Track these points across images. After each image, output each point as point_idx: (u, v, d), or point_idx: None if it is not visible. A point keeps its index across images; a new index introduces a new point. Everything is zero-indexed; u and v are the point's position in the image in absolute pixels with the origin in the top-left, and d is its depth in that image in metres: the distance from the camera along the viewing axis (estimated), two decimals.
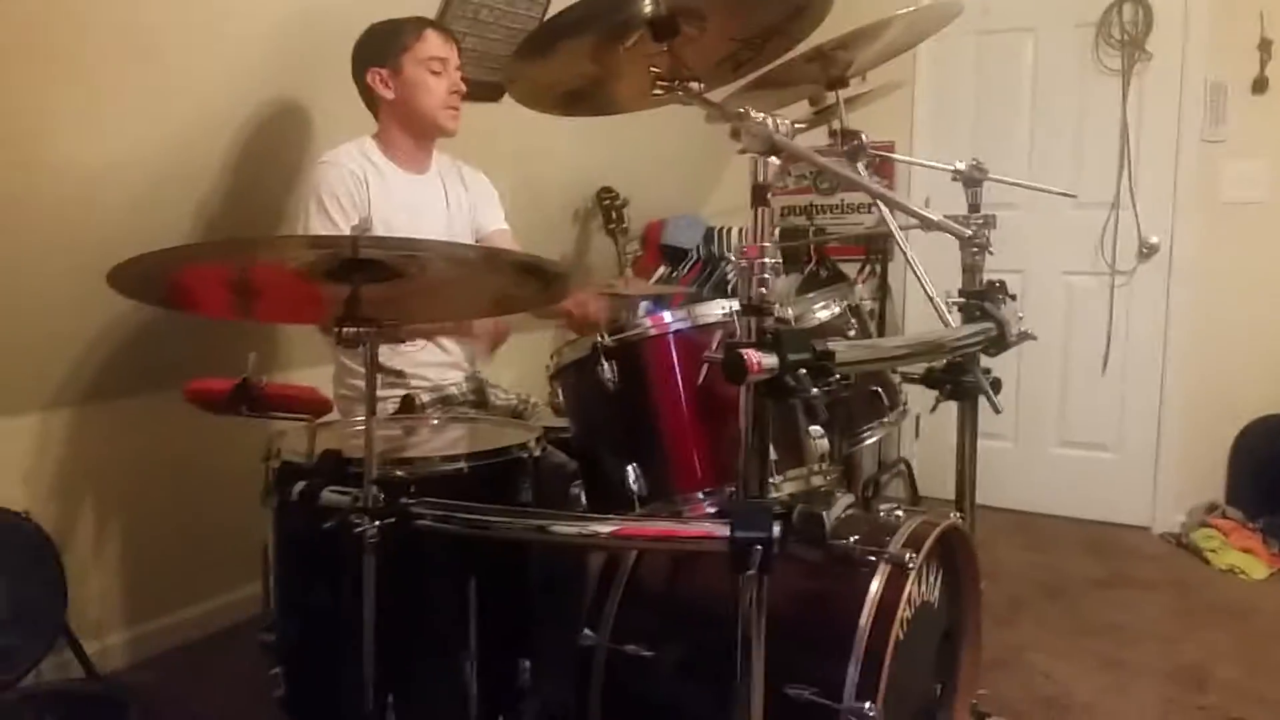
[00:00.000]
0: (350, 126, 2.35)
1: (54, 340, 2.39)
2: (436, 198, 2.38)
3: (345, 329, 1.35)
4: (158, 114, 2.23)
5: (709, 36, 1.46)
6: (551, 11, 2.90)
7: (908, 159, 3.21)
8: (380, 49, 2.27)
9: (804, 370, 1.14)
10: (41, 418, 2.50)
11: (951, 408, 1.99)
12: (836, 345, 1.20)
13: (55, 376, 2.47)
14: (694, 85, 1.42)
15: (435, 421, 2.04)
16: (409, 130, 2.32)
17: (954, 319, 1.75)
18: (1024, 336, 1.77)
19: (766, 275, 1.18)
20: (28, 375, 2.41)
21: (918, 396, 2.00)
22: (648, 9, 1.37)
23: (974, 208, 1.97)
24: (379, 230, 2.17)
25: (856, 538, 1.53)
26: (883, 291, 3.98)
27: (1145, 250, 3.75)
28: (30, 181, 2.09)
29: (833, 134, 1.90)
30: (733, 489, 1.25)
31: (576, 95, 1.60)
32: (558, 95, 1.61)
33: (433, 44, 2.28)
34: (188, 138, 2.33)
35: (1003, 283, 1.81)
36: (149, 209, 2.32)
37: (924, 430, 3.91)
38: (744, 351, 1.10)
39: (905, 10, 1.77)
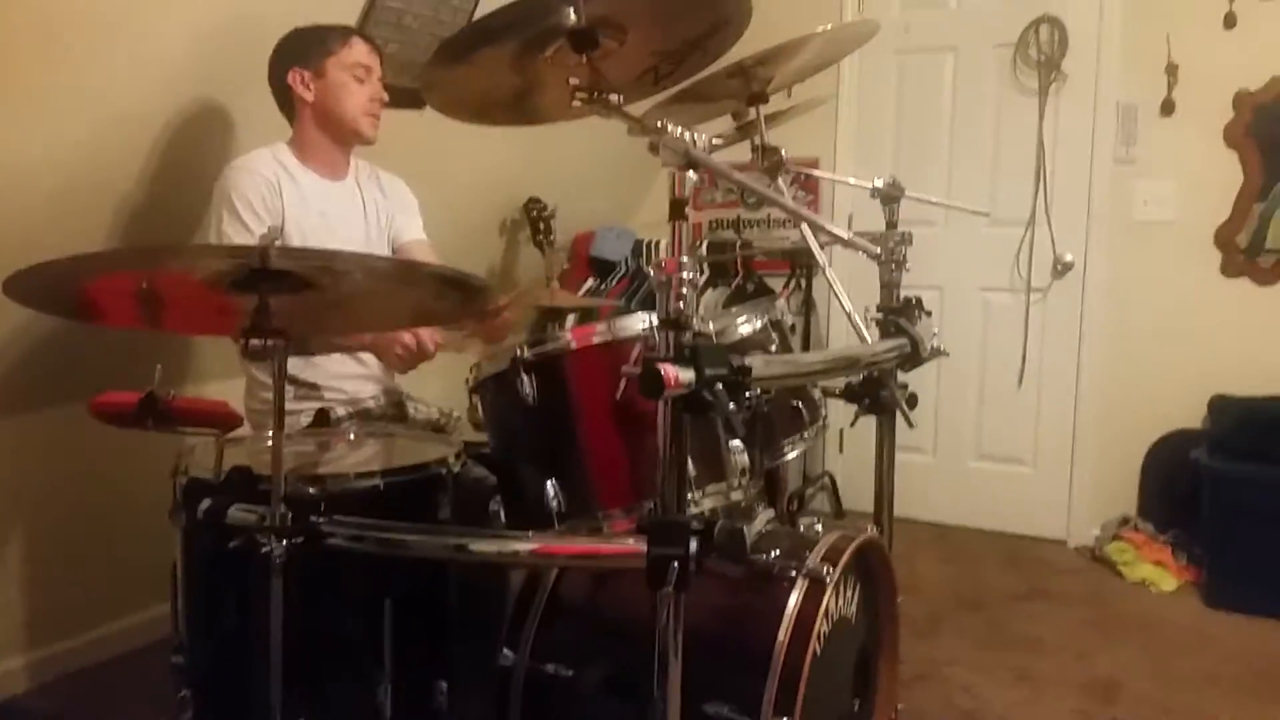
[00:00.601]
0: (273, 133, 2.30)
1: None
2: (354, 205, 2.33)
3: (252, 340, 1.31)
4: (69, 115, 2.15)
5: (629, 49, 1.45)
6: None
7: (827, 175, 3.25)
8: (304, 50, 2.23)
9: (721, 385, 1.14)
10: None
11: (874, 422, 2.01)
12: (754, 360, 1.21)
13: None
14: (613, 98, 1.41)
15: (352, 436, 2.00)
16: (327, 134, 2.27)
17: (872, 334, 1.77)
18: (937, 353, 1.80)
19: (685, 290, 1.18)
20: None
21: (840, 411, 2.02)
22: (568, 20, 1.36)
23: (891, 225, 2.00)
24: (294, 237, 2.15)
25: (776, 552, 1.53)
26: (807, 306, 4.03)
27: (1060, 268, 3.85)
28: None
29: (755, 149, 1.91)
30: (652, 504, 1.25)
31: (496, 104, 1.59)
32: (477, 104, 1.59)
33: (358, 51, 2.25)
34: (102, 140, 2.25)
35: (919, 299, 1.84)
36: (59, 215, 2.23)
37: (847, 444, 3.97)
38: (660, 366, 1.10)
39: (823, 28, 1.79)
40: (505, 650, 1.63)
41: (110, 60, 2.16)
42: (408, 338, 2.14)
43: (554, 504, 1.57)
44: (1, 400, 2.45)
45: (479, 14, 2.90)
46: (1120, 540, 3.62)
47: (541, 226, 3.69)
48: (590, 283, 4.11)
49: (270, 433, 1.38)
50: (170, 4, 2.19)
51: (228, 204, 2.14)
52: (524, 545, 1.41)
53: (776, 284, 4.05)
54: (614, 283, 4.09)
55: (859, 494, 3.95)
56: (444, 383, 2.58)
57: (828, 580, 1.48)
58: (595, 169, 3.91)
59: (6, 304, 1.31)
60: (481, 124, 1.67)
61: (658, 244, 4.10)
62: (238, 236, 2.09)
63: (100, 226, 2.37)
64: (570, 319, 3.58)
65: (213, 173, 2.25)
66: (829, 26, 1.81)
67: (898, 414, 1.91)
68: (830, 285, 1.84)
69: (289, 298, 1.33)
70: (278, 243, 1.24)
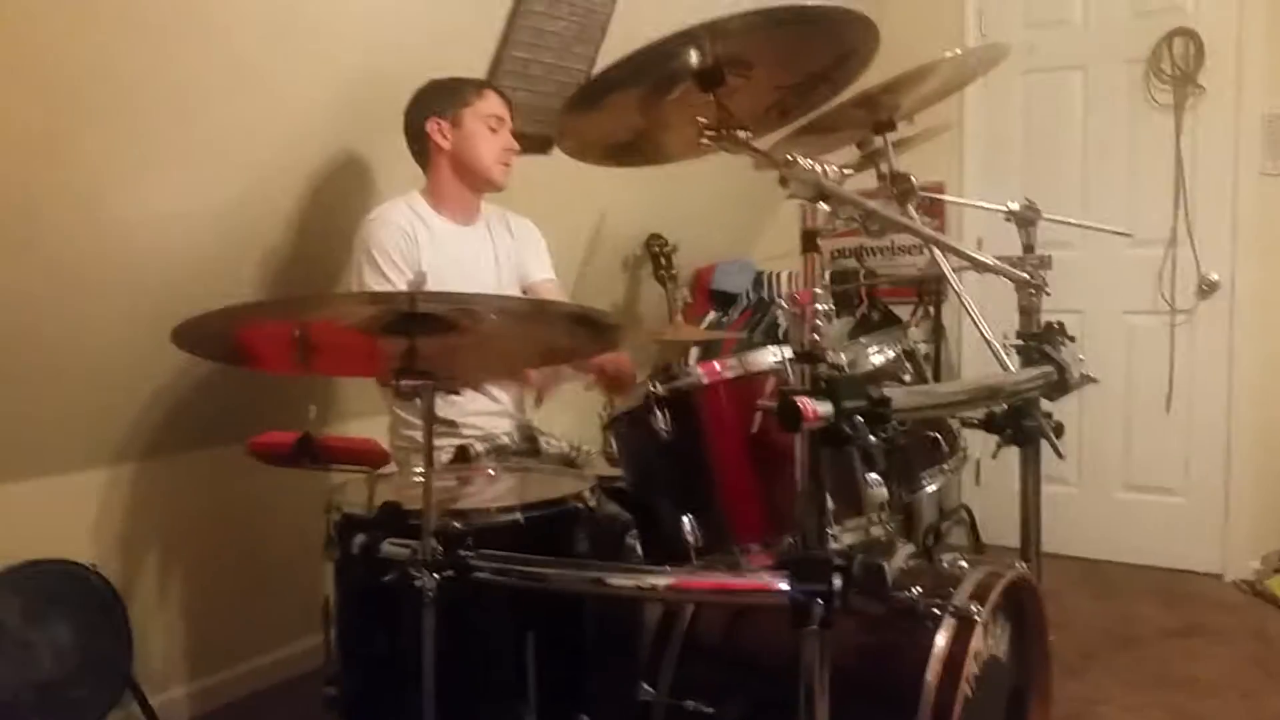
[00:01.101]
0: (409, 181, 2.40)
1: (117, 395, 2.44)
2: (485, 250, 2.41)
3: (403, 382, 1.37)
4: (218, 171, 2.28)
5: (755, 85, 1.46)
6: (598, 66, 2.94)
7: (959, 200, 3.19)
8: (443, 101, 2.33)
9: (860, 417, 1.12)
10: (107, 472, 2.55)
11: (1012, 452, 1.94)
12: (892, 391, 1.18)
13: (120, 431, 2.52)
14: (741, 134, 1.42)
15: (490, 471, 2.04)
16: (461, 181, 2.36)
17: (1012, 362, 1.71)
18: (1085, 379, 1.73)
19: (818, 321, 1.17)
20: (93, 430, 2.47)
21: (978, 441, 1.96)
22: (694, 60, 1.38)
23: (1028, 248, 1.95)
24: (429, 283, 2.22)
25: (919, 589, 1.49)
26: (937, 334, 3.92)
27: (1205, 288, 3.66)
28: (93, 240, 2.14)
29: (882, 177, 1.89)
30: (791, 540, 1.23)
31: (624, 147, 1.62)
32: (606, 147, 1.63)
33: (493, 103, 2.35)
34: (250, 193, 2.38)
35: (1062, 324, 1.78)
36: (211, 265, 2.37)
37: (984, 476, 3.84)
38: (798, 399, 1.09)
39: (951, 54, 1.76)
40: (644, 685, 1.63)
41: (253, 117, 2.27)
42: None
43: (691, 538, 1.57)
44: (165, 441, 2.60)
45: (600, 59, 2.96)
46: None
47: (663, 262, 3.72)
48: (712, 316, 4.11)
49: (415, 468, 1.43)
50: (307, 62, 2.30)
51: (367, 256, 2.24)
52: (661, 580, 1.41)
53: (902, 312, 3.96)
54: (735, 315, 4.08)
55: (998, 527, 3.81)
56: (573, 417, 2.62)
57: (977, 619, 1.43)
58: (715, 203, 3.92)
59: (169, 349, 1.40)
60: (610, 166, 1.70)
61: (778, 275, 4.09)
62: (377, 287, 2.18)
63: (249, 277, 2.50)
64: (694, 352, 3.59)
65: (353, 221, 2.36)
66: (957, 52, 1.78)
67: (1042, 444, 1.84)
68: (966, 310, 1.79)
69: (433, 340, 1.38)
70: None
